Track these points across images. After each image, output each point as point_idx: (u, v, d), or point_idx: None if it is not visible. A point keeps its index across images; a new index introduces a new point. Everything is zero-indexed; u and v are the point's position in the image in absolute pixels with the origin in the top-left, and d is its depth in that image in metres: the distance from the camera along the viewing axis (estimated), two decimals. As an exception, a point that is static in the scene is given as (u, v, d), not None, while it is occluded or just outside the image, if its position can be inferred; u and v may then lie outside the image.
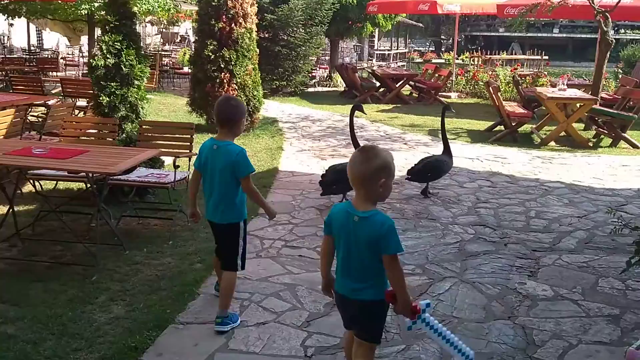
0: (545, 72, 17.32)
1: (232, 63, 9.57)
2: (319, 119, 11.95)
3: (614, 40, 11.32)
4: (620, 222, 4.20)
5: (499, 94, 10.10)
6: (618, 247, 5.10)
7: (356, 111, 6.53)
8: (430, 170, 6.48)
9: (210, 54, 9.54)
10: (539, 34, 42.07)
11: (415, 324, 2.65)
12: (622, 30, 41.61)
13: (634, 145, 9.69)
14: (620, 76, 14.52)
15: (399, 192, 6.62)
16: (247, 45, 9.72)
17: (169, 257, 4.68)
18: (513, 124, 9.99)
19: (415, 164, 6.60)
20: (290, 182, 7.04)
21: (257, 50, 10.16)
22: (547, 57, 20.77)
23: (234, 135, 3.59)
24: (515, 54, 28.42)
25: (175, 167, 5.11)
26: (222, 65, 9.57)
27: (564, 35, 42.58)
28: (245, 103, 9.65)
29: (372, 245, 2.50)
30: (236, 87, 9.67)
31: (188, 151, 5.52)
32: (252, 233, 5.16)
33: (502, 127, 10.94)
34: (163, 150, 5.63)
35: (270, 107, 13.30)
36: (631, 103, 11.24)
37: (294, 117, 12.16)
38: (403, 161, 8.16)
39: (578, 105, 10.05)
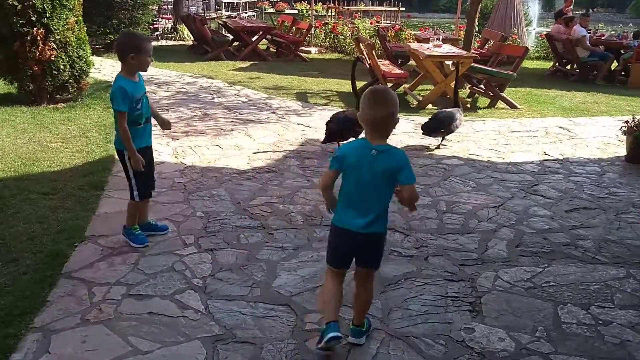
0: (398, 24, 16.56)
1: (47, 15, 7.40)
2: (165, 82, 10.07)
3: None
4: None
5: (373, 52, 8.91)
6: (555, 249, 4.15)
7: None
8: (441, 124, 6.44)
9: (16, 2, 7.28)
10: (386, -16, 41.95)
11: None
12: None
13: (512, 106, 9.09)
14: (483, 29, 14.06)
15: (279, 186, 5.21)
16: (65, -9, 7.59)
17: None
18: (389, 86, 8.91)
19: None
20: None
21: (81, -2, 8.03)
22: (403, 9, 20.13)
23: (126, 73, 3.65)
24: (363, 4, 27.74)
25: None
26: (34, 18, 7.37)
27: (410, -15, 42.80)
28: (69, 65, 7.59)
29: (390, 175, 2.66)
30: (55, 46, 7.54)
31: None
32: (75, 275, 3.50)
33: (374, 88, 9.89)
34: None
35: (104, 68, 11.17)
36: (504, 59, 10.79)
37: (134, 80, 10.16)
38: (276, 137, 6.72)
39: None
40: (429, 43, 10.08)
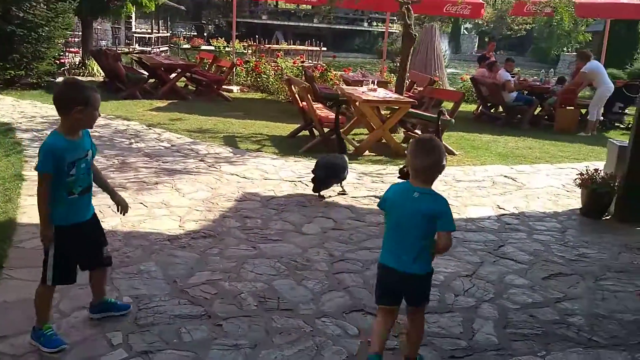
0: (322, 64, 16.22)
1: None
2: (75, 124, 9.00)
3: (417, 35, 10.40)
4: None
5: (309, 95, 8.35)
6: (547, 329, 3.64)
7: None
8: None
9: None
10: (301, 23, 42.24)
11: None
12: (375, 23, 43.94)
13: (450, 152, 8.75)
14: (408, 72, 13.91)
15: (220, 255, 4.41)
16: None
17: None
18: (326, 131, 8.36)
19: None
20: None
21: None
22: (325, 49, 19.92)
23: (67, 128, 2.99)
24: (280, 43, 27.53)
25: None
26: None
27: (324, 25, 43.31)
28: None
29: (430, 219, 2.73)
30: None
31: None
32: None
33: (306, 132, 9.34)
34: None
35: (4, 107, 9.91)
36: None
37: (39, 122, 9.03)
38: (209, 192, 5.93)
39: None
40: (361, 86, 9.68)
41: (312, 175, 5.99)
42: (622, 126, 12.80)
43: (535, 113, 12.51)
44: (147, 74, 13.28)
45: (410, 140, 2.96)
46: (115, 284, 3.81)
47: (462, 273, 4.42)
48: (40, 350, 3.02)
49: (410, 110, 8.72)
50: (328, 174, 5.93)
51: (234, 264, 4.24)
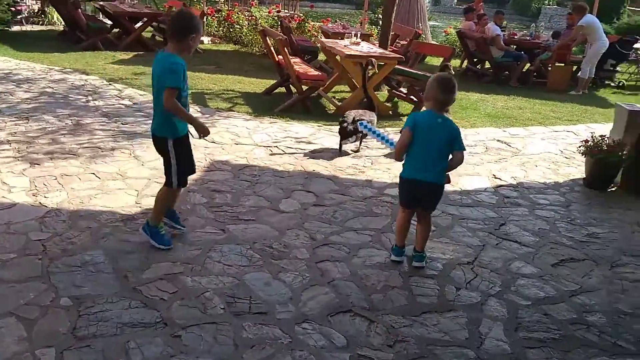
0: (299, 15, 15.25)
1: None
2: (26, 79, 8.12)
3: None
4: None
5: (286, 49, 7.56)
6: (564, 332, 3.12)
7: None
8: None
9: None
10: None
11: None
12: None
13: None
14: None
15: (182, 241, 3.77)
16: None
17: None
18: (304, 89, 7.64)
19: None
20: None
21: None
22: (302, -3, 18.87)
23: (179, 51, 3.42)
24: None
25: None
26: None
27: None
28: None
29: (449, 141, 3.44)
30: None
31: None
32: None
33: (283, 89, 8.63)
34: None
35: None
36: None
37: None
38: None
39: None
40: (343, 39, 8.92)
41: (339, 127, 5.92)
42: (612, 84, 12.28)
43: (524, 69, 11.89)
44: (111, 23, 12.26)
45: (433, 77, 3.52)
46: (52, 279, 3.15)
47: (462, 260, 3.85)
48: (150, 243, 3.57)
49: (397, 67, 8.02)
50: (357, 127, 5.69)
51: (198, 252, 3.60)
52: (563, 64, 11.28)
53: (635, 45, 12.44)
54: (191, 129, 3.62)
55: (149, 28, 12.57)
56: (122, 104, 7.19)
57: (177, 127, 3.50)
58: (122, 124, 6.31)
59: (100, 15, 13.38)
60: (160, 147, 3.55)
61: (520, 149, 6.71)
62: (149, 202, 4.24)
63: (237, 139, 6.12)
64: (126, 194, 4.42)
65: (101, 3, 12.83)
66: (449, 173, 3.52)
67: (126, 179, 4.70)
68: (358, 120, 5.70)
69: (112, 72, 9.06)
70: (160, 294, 3.10)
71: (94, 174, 4.76)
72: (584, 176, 5.69)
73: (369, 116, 6.02)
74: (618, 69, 12.39)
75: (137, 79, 8.68)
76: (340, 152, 5.94)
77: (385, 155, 5.98)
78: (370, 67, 6.53)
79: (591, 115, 9.17)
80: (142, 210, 4.12)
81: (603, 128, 7.82)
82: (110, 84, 8.21)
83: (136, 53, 10.93)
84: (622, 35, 13.34)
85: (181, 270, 3.36)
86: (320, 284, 3.38)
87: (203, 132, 3.58)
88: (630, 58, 12.55)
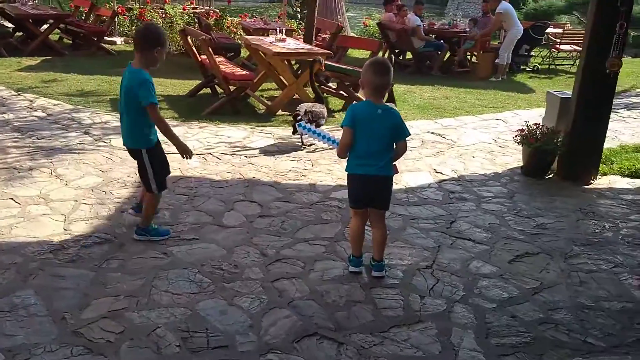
0: (214, 10, 14.79)
1: None
2: None
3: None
4: None
5: (210, 49, 7.20)
6: (534, 333, 3.05)
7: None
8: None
9: None
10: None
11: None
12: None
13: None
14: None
15: (122, 270, 3.42)
16: None
17: None
18: (232, 90, 7.33)
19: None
20: None
21: None
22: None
23: (145, 65, 3.52)
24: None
25: None
26: None
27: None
28: None
29: (392, 130, 3.30)
30: None
31: None
32: None
33: (208, 89, 8.29)
34: None
35: None
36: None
37: None
38: (99, 177, 4.82)
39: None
40: (268, 36, 8.66)
41: (293, 120, 5.98)
42: (528, 69, 12.68)
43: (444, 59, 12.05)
44: (13, 26, 11.40)
45: (367, 61, 3.38)
46: (-24, 331, 2.76)
47: (421, 264, 3.73)
48: (151, 240, 3.71)
49: (326, 62, 7.83)
50: (310, 118, 5.86)
51: (141, 282, 3.28)
52: (488, 52, 11.51)
53: (547, 30, 12.91)
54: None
55: (56, 30, 11.79)
56: (35, 116, 6.62)
57: (149, 136, 3.60)
58: (38, 138, 5.79)
59: (0, 19, 12.42)
60: (135, 157, 3.68)
61: (456, 141, 6.72)
62: (80, 228, 3.87)
63: (167, 148, 5.72)
64: (52, 219, 3.99)
65: (1, 5, 11.89)
66: (395, 163, 3.42)
67: (50, 203, 4.27)
68: (297, 122, 5.55)
69: (20, 80, 8.38)
70: (106, 336, 2.77)
71: (12, 199, 4.29)
72: (521, 165, 5.74)
73: (319, 108, 6.08)
74: (532, 53, 12.80)
75: (48, 87, 8.07)
76: (302, 147, 6.08)
77: (322, 153, 5.80)
78: (317, 63, 6.48)
79: (514, 101, 9.38)
80: (73, 238, 3.73)
81: (529, 114, 8.03)
82: (19, 94, 7.57)
83: (44, 58, 10.22)
84: (534, 21, 13.81)
85: (125, 305, 3.03)
86: (280, 305, 3.15)
87: (184, 152, 3.67)
88: (542, 43, 13.01)
